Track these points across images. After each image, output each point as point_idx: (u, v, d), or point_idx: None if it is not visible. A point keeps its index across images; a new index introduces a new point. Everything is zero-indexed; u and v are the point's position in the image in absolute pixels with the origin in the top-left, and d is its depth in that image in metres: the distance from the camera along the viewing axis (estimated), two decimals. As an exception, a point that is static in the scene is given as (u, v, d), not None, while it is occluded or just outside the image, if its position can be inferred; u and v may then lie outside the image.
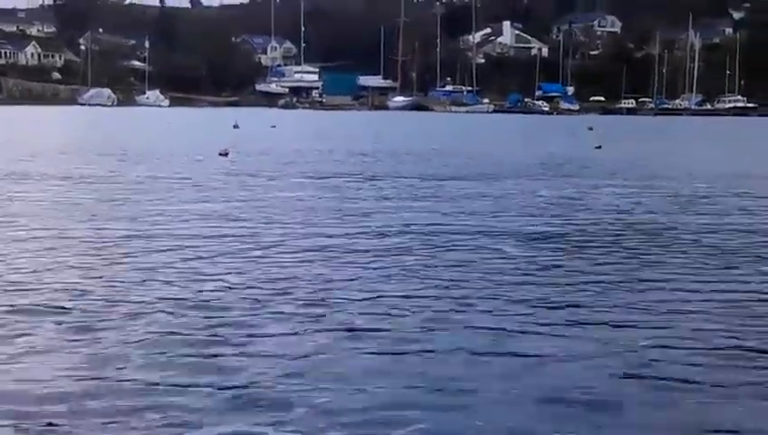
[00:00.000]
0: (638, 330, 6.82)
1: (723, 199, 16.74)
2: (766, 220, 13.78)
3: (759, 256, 10.27)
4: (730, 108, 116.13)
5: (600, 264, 9.62)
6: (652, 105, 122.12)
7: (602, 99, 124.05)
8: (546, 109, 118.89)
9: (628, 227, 12.62)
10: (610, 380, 5.63)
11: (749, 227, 12.81)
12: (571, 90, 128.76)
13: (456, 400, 5.22)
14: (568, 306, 7.54)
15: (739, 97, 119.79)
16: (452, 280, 8.51)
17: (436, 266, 9.24)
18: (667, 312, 7.42)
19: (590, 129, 52.23)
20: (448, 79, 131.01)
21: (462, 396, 5.28)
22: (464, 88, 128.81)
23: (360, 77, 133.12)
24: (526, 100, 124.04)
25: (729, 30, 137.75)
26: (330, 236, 11.18)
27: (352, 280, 8.45)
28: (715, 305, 7.66)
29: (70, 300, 7.43)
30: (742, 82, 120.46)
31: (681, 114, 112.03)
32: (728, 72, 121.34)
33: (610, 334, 6.71)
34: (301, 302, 7.53)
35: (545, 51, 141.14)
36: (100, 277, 8.36)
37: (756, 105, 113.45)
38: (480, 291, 8.07)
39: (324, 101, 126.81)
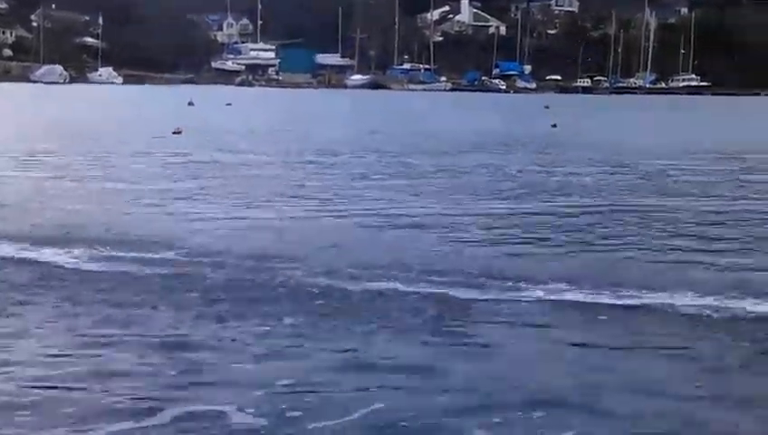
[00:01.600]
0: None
1: (676, 175, 17.01)
2: (718, 196, 14.06)
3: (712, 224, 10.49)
4: (683, 86, 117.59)
5: (547, 239, 9.76)
6: (607, 84, 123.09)
7: (558, 78, 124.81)
8: (503, 87, 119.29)
9: (579, 204, 12.79)
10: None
11: (701, 203, 13.06)
12: (528, 68, 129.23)
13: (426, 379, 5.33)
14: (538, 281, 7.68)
15: (692, 76, 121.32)
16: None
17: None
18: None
19: (547, 107, 52.64)
20: (406, 57, 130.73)
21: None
22: (421, 66, 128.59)
23: (318, 55, 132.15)
24: (483, 78, 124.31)
25: (685, 10, 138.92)
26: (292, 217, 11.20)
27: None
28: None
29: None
30: (695, 62, 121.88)
31: (636, 93, 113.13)
32: (682, 51, 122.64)
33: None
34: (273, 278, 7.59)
35: (503, 29, 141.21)
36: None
37: (709, 84, 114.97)
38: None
39: (281, 78, 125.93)
